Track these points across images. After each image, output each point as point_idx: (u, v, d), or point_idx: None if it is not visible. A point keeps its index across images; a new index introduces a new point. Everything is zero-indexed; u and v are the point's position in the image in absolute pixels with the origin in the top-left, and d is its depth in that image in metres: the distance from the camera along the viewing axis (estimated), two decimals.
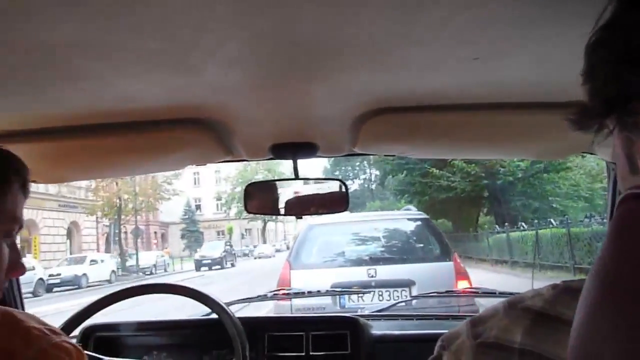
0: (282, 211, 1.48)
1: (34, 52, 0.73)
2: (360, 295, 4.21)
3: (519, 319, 0.50)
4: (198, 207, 48.80)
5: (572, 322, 0.41)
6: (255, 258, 36.93)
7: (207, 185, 47.67)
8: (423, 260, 4.71)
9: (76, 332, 1.56)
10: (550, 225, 14.24)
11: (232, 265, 29.69)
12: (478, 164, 19.12)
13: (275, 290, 2.12)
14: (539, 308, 0.49)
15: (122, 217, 28.44)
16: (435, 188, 20.96)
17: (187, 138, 1.18)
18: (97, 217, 28.37)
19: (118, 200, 27.31)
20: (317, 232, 5.10)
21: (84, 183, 25.71)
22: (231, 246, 32.75)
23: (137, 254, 26.76)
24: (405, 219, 5.49)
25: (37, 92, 0.91)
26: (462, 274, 4.49)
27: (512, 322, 0.50)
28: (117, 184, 26.24)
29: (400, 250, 5.03)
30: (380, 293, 4.29)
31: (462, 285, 4.32)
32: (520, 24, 0.70)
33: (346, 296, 4.20)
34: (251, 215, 43.76)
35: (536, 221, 16.16)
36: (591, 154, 1.34)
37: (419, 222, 5.29)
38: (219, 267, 27.79)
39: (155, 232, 45.46)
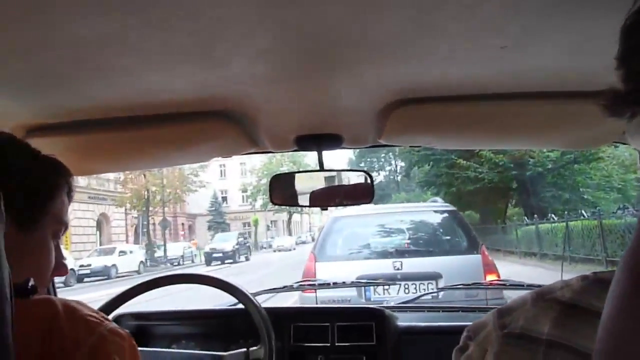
0: (307, 202, 1.48)
1: (64, 47, 0.74)
2: (385, 287, 4.20)
3: (547, 309, 0.49)
4: (224, 199, 49.22)
5: (601, 313, 0.40)
6: (274, 251, 35.97)
7: (233, 177, 48.09)
8: (450, 253, 4.67)
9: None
10: (581, 217, 13.97)
11: (247, 259, 27.89)
12: (506, 154, 18.83)
13: (301, 281, 2.13)
14: (567, 299, 0.48)
15: (150, 208, 28.81)
16: (462, 179, 20.58)
17: (212, 130, 1.19)
18: (125, 209, 28.89)
19: (146, 192, 27.72)
20: (342, 224, 5.08)
21: (112, 175, 26.22)
22: (245, 238, 31.28)
23: (164, 245, 27.09)
24: (432, 211, 5.40)
25: (67, 86, 0.93)
26: (490, 267, 4.42)
27: (540, 312, 0.49)
28: (145, 176, 26.69)
29: (426, 242, 4.98)
30: (406, 286, 4.25)
31: (490, 278, 4.18)
32: (549, 11, 0.68)
33: (371, 288, 4.21)
34: (276, 207, 44.03)
35: (567, 213, 15.77)
36: (623, 143, 1.31)
37: (446, 214, 5.22)
38: (231, 261, 25.75)
39: (183, 224, 46.07)
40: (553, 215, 15.97)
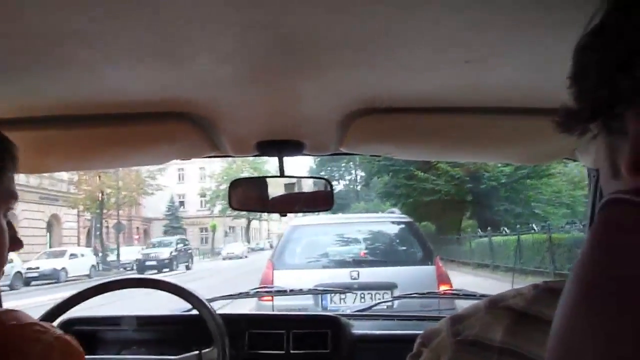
0: (267, 208, 1.48)
1: (17, 38, 0.72)
2: (342, 297, 4.26)
3: (500, 317, 0.50)
4: (182, 203, 48.55)
5: (552, 322, 0.41)
6: (223, 259, 34.55)
7: (191, 181, 47.52)
8: (405, 264, 4.74)
9: (54, 325, 1.55)
10: (532, 231, 14.43)
11: (187, 267, 25.04)
12: (462, 167, 19.27)
13: (258, 288, 2.12)
14: (520, 308, 0.49)
15: (105, 211, 28.00)
16: (419, 191, 20.92)
17: (173, 132, 1.18)
18: (78, 211, 27.97)
19: (100, 194, 26.84)
20: (301, 232, 5.13)
21: (65, 175, 25.31)
22: (186, 244, 28.71)
23: (118, 249, 26.27)
24: (389, 221, 5.53)
25: (21, 80, 0.89)
26: (443, 278, 4.54)
27: (493, 320, 0.50)
28: (99, 177, 25.82)
29: (383, 252, 5.08)
30: (362, 295, 4.32)
31: (443, 288, 4.20)
32: (510, 28, 0.71)
33: (328, 297, 4.28)
34: (235, 213, 43.69)
35: (518, 226, 16.29)
36: (573, 160, 1.36)
37: (402, 225, 5.33)
38: (167, 270, 22.95)
39: (138, 228, 45.11)
40: (505, 228, 16.48)
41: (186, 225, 46.23)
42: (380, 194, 28.52)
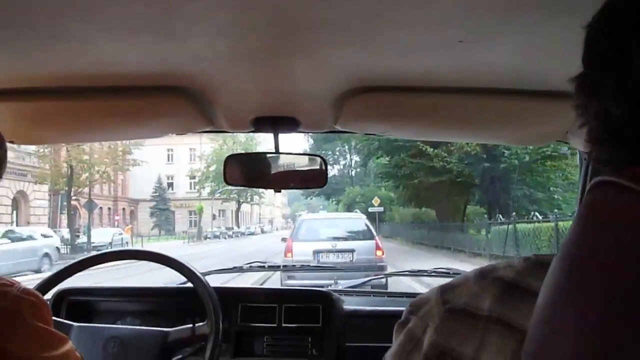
0: (262, 184, 1.53)
1: (13, 10, 0.74)
2: (327, 254, 8.92)
3: (489, 287, 0.52)
4: (170, 185, 48.00)
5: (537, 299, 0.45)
6: (205, 238, 33.57)
7: (181, 162, 46.95)
8: (359, 239, 9.33)
9: (48, 295, 1.60)
10: (569, 217, 11.97)
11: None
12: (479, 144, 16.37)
13: (250, 263, 2.20)
14: (509, 279, 0.51)
15: (78, 188, 25.80)
16: (426, 170, 19.00)
17: (168, 106, 1.21)
18: (50, 188, 26.22)
19: (69, 169, 24.49)
20: (306, 222, 10.20)
21: (32, 148, 22.49)
22: (121, 233, 27.15)
23: (89, 231, 24.23)
24: (354, 217, 11.46)
25: (16, 51, 0.92)
26: (378, 246, 9.13)
27: (482, 290, 0.52)
28: (67, 149, 23.48)
29: (348, 233, 9.65)
30: (337, 255, 8.95)
31: (378, 253, 9.00)
32: (504, 9, 0.74)
33: (321, 255, 8.83)
34: (224, 195, 43.38)
35: (556, 211, 13.83)
36: (565, 142, 1.41)
37: (360, 219, 10.41)
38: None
39: (124, 209, 44.59)
40: (537, 214, 13.62)
41: (175, 207, 45.84)
42: (380, 174, 27.06)
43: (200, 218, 41.35)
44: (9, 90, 1.11)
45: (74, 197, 26.22)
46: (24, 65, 1.00)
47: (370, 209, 30.31)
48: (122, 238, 25.95)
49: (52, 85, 1.10)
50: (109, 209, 42.79)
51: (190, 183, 46.15)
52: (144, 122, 1.37)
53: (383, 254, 8.95)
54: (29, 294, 0.80)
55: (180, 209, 45.83)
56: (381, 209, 30.17)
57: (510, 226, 14.36)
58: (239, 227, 47.07)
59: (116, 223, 37.56)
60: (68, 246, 22.07)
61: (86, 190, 26.53)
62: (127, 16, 0.77)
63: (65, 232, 24.66)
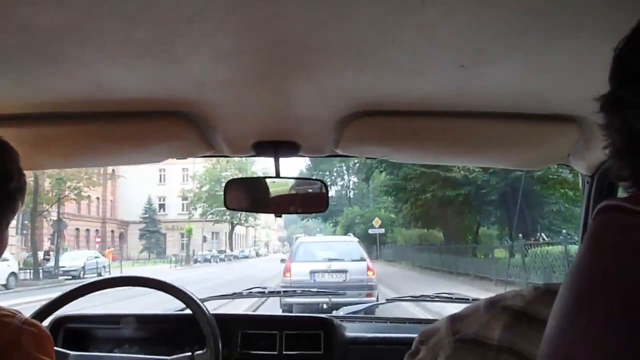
0: (263, 208, 1.56)
1: (14, 34, 0.75)
2: (323, 274, 9.76)
3: (499, 316, 0.53)
4: (162, 206, 47.65)
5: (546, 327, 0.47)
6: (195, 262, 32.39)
7: (173, 183, 46.71)
8: (352, 260, 10.16)
9: (46, 322, 1.61)
10: None
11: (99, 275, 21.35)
12: None
13: (250, 289, 2.23)
14: (518, 307, 0.53)
15: (49, 206, 23.94)
16: (441, 183, 17.59)
17: (169, 131, 1.23)
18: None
19: (33, 183, 22.10)
20: (303, 244, 11.25)
21: None
22: (97, 257, 25.41)
23: (57, 254, 22.35)
24: (347, 240, 12.40)
25: (17, 75, 0.94)
26: (369, 267, 9.95)
27: (492, 319, 0.53)
28: None
29: (342, 254, 10.46)
30: (332, 275, 9.78)
31: (369, 274, 9.74)
32: (505, 34, 0.77)
33: (317, 275, 9.69)
34: (217, 217, 42.91)
35: (564, 232, 12.68)
36: (567, 165, 1.43)
37: (352, 242, 11.47)
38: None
39: (113, 231, 44.14)
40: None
41: (166, 229, 45.38)
42: (385, 187, 24.63)
43: (190, 241, 40.47)
44: (8, 116, 1.13)
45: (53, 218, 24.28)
46: (24, 90, 1.02)
47: (370, 231, 30.17)
48: (97, 262, 24.08)
49: (51, 111, 1.12)
50: (97, 230, 42.13)
51: (183, 204, 45.86)
52: (144, 147, 1.39)
53: (374, 274, 9.98)
54: (31, 325, 0.81)
55: (172, 231, 45.35)
56: (382, 230, 29.65)
57: (558, 247, 12.11)
58: (232, 250, 46.32)
59: (97, 245, 36.04)
60: (31, 270, 20.67)
61: (67, 209, 24.64)
62: (127, 41, 0.79)
63: (31, 255, 22.71)
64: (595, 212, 0.42)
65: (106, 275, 20.62)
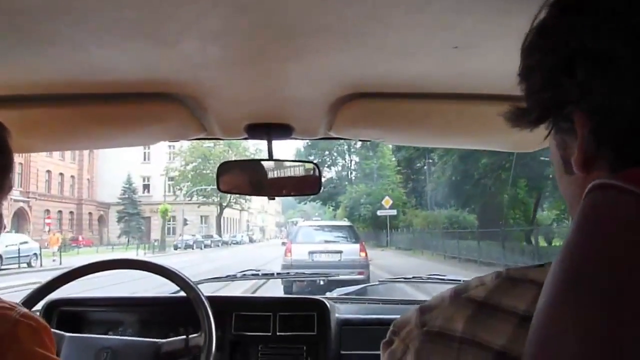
0: (256, 191, 1.66)
1: (3, 16, 0.78)
2: (320, 254, 11.97)
3: (462, 308, 0.56)
4: (147, 187, 46.75)
5: (508, 310, 0.51)
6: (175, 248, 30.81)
7: (158, 162, 45.74)
8: (346, 242, 12.46)
9: (39, 306, 1.74)
10: None
11: (29, 265, 21.06)
12: None
13: (244, 271, 2.38)
14: (481, 298, 0.56)
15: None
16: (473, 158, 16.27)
17: (160, 113, 1.30)
18: None
19: None
20: (303, 228, 13.80)
21: None
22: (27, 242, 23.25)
23: None
24: (342, 224, 15.27)
25: (6, 58, 0.97)
26: (362, 248, 12.13)
27: (456, 311, 0.56)
28: None
29: (338, 237, 12.79)
30: (328, 255, 11.86)
31: (362, 254, 11.97)
32: (499, 14, 0.79)
33: (316, 254, 11.92)
34: (203, 199, 41.75)
35: None
36: None
37: (347, 225, 14.28)
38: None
39: (91, 213, 43.37)
40: None
41: (151, 212, 44.42)
42: (395, 163, 22.07)
43: (165, 223, 39.04)
44: None
45: (22, 199, 23.29)
46: (14, 72, 1.06)
47: (379, 212, 27.83)
48: (19, 249, 21.41)
49: (42, 93, 1.17)
50: (71, 212, 41.21)
51: (168, 185, 44.97)
52: (136, 130, 1.46)
53: (366, 255, 12.16)
54: (29, 318, 0.85)
55: (155, 213, 43.86)
56: (394, 211, 27.49)
57: None
58: (221, 235, 45.53)
59: (47, 228, 33.89)
60: None
61: (34, 188, 23.28)
62: (118, 21, 0.82)
63: None
64: (587, 190, 0.44)
65: (36, 265, 20.21)
